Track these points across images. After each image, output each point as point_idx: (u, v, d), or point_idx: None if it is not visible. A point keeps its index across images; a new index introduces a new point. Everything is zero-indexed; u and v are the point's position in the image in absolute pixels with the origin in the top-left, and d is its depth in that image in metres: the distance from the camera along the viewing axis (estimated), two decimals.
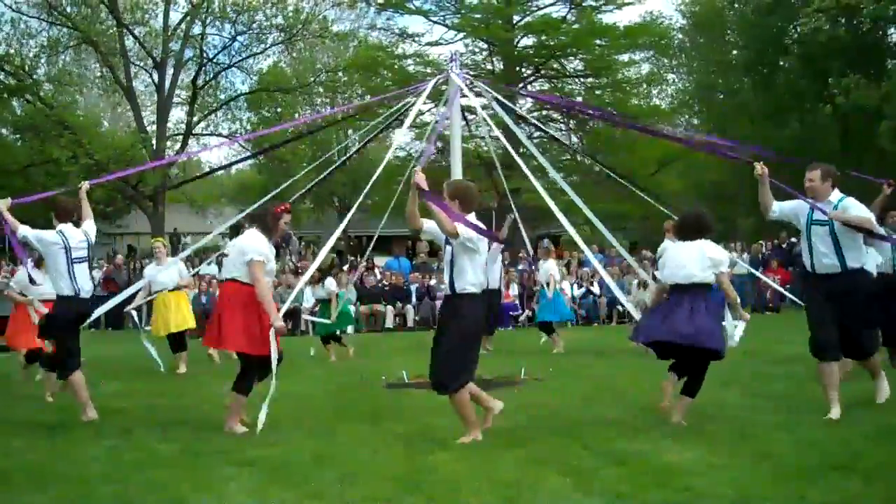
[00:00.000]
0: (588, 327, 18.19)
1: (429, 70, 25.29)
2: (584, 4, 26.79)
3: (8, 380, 9.87)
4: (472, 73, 24.02)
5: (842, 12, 24.85)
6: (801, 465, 4.61)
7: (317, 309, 12.01)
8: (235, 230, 8.34)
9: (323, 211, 33.47)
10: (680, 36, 32.41)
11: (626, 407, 6.71)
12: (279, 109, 28.53)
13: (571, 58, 27.54)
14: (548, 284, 12.18)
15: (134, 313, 11.25)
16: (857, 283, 5.97)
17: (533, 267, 14.05)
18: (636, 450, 5.07)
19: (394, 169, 18.90)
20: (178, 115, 29.12)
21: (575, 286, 19.34)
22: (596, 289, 18.93)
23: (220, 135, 28.43)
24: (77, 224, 6.88)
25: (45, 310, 7.77)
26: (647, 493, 4.16)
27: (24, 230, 6.70)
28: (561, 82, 28.44)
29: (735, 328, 6.78)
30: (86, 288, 6.75)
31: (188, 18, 25.52)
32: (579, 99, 27.34)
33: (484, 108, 12.69)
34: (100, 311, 8.08)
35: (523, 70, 27.92)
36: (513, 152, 10.30)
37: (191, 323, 10.79)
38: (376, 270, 20.22)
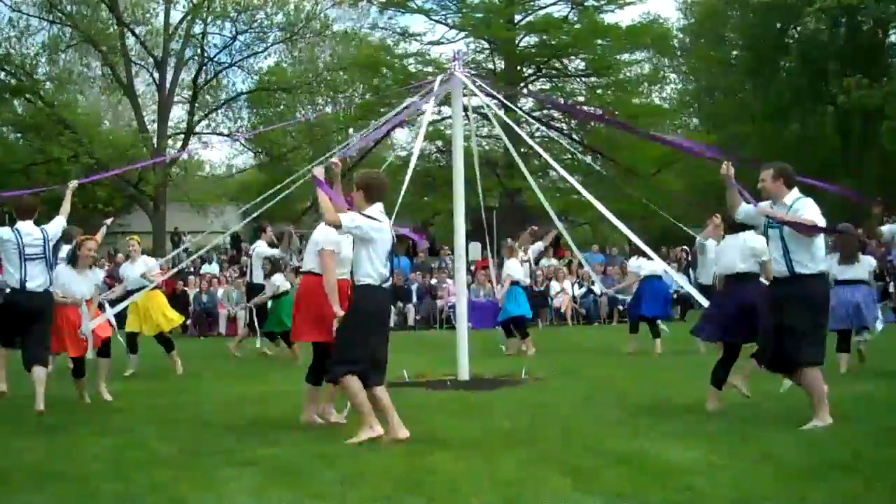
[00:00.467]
0: (589, 326, 18.20)
1: (430, 69, 25.30)
2: (585, 4, 26.80)
3: (7, 379, 9.83)
4: (472, 72, 24.07)
5: (843, 12, 24.85)
6: (802, 465, 4.60)
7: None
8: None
9: None
10: (680, 35, 32.39)
11: (627, 406, 6.70)
12: (280, 108, 28.52)
13: (573, 57, 27.55)
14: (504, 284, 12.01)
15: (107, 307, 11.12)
16: (804, 290, 5.67)
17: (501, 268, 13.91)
18: (637, 449, 5.06)
19: (395, 169, 18.89)
20: (178, 113, 29.16)
21: (576, 286, 19.35)
22: (596, 288, 18.93)
23: (220, 134, 28.43)
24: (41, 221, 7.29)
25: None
26: (648, 492, 4.15)
27: None
28: (562, 81, 28.45)
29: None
30: (37, 282, 6.99)
31: (189, 17, 25.49)
32: (580, 98, 27.38)
33: (478, 108, 12.68)
34: (110, 314, 8.17)
35: (524, 69, 27.93)
36: (513, 152, 10.31)
37: (174, 319, 10.48)
38: None
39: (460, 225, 9.04)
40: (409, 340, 14.08)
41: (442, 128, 25.91)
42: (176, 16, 25.90)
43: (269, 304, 11.69)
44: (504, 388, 8.12)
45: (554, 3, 26.74)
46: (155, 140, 25.75)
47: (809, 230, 5.60)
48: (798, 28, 28.38)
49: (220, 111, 28.22)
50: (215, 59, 27.13)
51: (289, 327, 9.71)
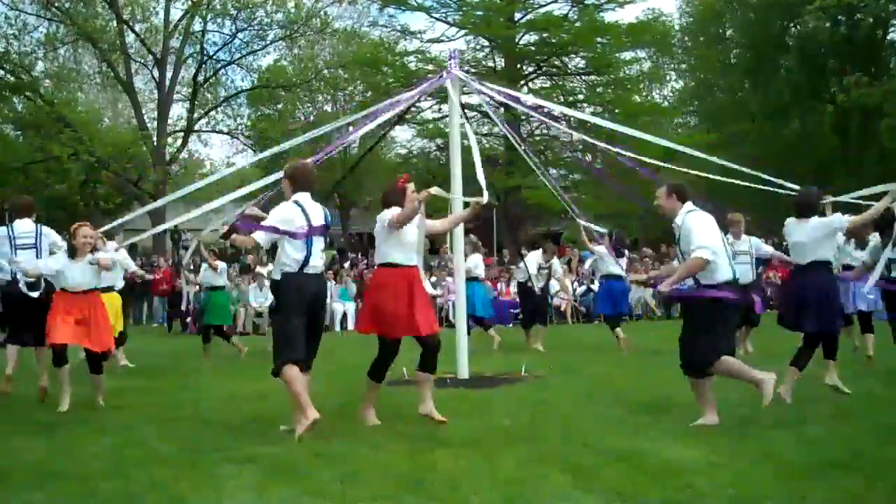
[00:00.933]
0: (588, 325, 18.20)
1: (430, 67, 25.31)
2: (586, 2, 26.79)
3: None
4: (473, 70, 24.07)
5: (842, 10, 24.82)
6: (802, 464, 4.60)
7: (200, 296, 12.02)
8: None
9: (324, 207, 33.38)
10: (680, 34, 32.37)
11: (627, 405, 6.69)
12: (279, 106, 28.50)
13: (573, 55, 27.54)
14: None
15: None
16: (699, 299, 5.75)
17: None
18: (637, 448, 5.06)
19: (395, 166, 18.92)
20: (178, 111, 29.15)
21: (576, 283, 19.35)
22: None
23: (220, 132, 28.41)
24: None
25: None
26: (648, 491, 4.15)
27: None
28: (562, 79, 28.44)
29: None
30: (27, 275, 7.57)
31: (189, 15, 25.47)
32: (580, 97, 27.38)
33: (478, 106, 12.62)
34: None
35: (524, 67, 27.93)
36: (519, 148, 10.29)
37: (117, 325, 9.72)
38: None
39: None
40: (410, 339, 14.04)
41: (441, 125, 25.92)
42: (176, 13, 25.93)
43: (203, 298, 11.80)
44: (504, 385, 8.11)
45: (554, 1, 26.79)
46: (155, 138, 25.74)
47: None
48: (798, 26, 28.34)
49: (219, 109, 28.20)
50: (214, 57, 27.15)
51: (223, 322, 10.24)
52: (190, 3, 25.16)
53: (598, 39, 26.31)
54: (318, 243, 5.82)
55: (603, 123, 11.53)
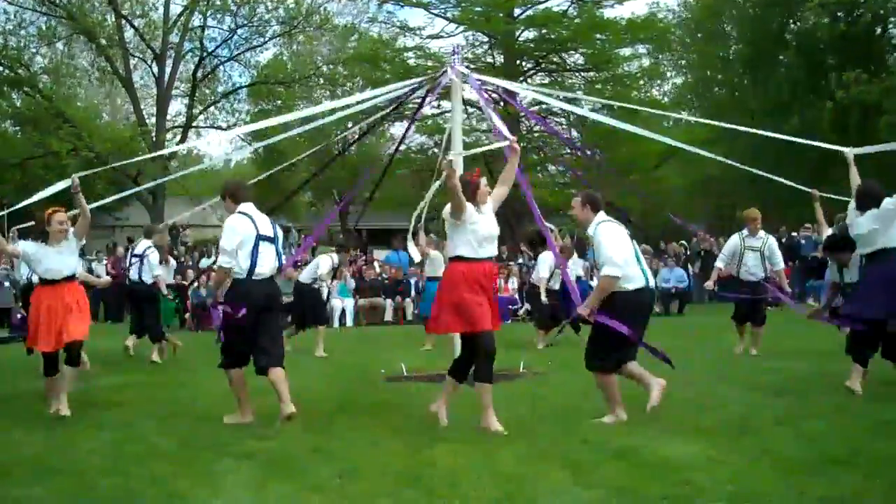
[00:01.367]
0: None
1: (430, 63, 25.28)
2: None
3: (6, 373, 9.85)
4: (472, 66, 24.03)
5: (841, 7, 24.80)
6: (800, 460, 4.61)
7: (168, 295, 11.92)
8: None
9: (322, 203, 33.43)
10: (679, 31, 32.34)
11: (626, 401, 6.69)
12: (279, 102, 28.47)
13: (572, 52, 27.51)
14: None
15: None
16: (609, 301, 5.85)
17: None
18: (636, 444, 5.06)
19: (395, 162, 18.85)
20: (177, 107, 29.11)
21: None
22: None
23: (219, 127, 28.37)
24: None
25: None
26: (647, 486, 4.15)
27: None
28: (561, 76, 28.42)
29: None
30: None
31: (188, 10, 25.42)
32: (579, 93, 27.34)
33: (476, 103, 12.62)
34: None
35: (524, 63, 27.90)
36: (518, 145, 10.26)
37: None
38: (375, 264, 20.25)
39: None
40: (407, 335, 14.09)
41: (441, 121, 25.88)
42: (176, 9, 25.88)
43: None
44: (502, 382, 8.09)
45: None
46: (154, 133, 25.71)
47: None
48: (797, 23, 28.32)
49: (218, 105, 28.17)
50: (213, 53, 27.10)
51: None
52: None
53: (598, 36, 26.26)
54: (267, 250, 6.11)
55: (605, 115, 11.48)
